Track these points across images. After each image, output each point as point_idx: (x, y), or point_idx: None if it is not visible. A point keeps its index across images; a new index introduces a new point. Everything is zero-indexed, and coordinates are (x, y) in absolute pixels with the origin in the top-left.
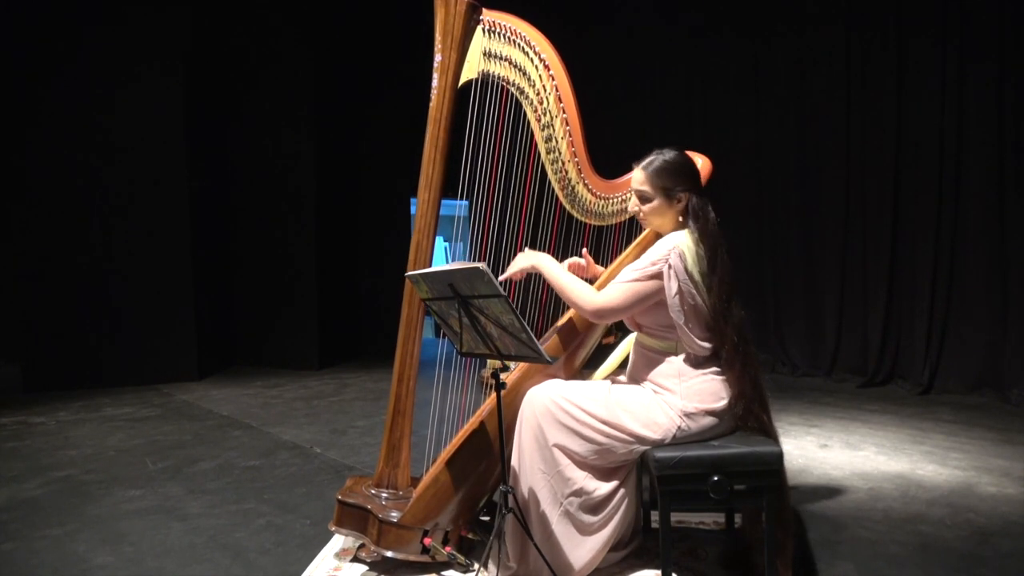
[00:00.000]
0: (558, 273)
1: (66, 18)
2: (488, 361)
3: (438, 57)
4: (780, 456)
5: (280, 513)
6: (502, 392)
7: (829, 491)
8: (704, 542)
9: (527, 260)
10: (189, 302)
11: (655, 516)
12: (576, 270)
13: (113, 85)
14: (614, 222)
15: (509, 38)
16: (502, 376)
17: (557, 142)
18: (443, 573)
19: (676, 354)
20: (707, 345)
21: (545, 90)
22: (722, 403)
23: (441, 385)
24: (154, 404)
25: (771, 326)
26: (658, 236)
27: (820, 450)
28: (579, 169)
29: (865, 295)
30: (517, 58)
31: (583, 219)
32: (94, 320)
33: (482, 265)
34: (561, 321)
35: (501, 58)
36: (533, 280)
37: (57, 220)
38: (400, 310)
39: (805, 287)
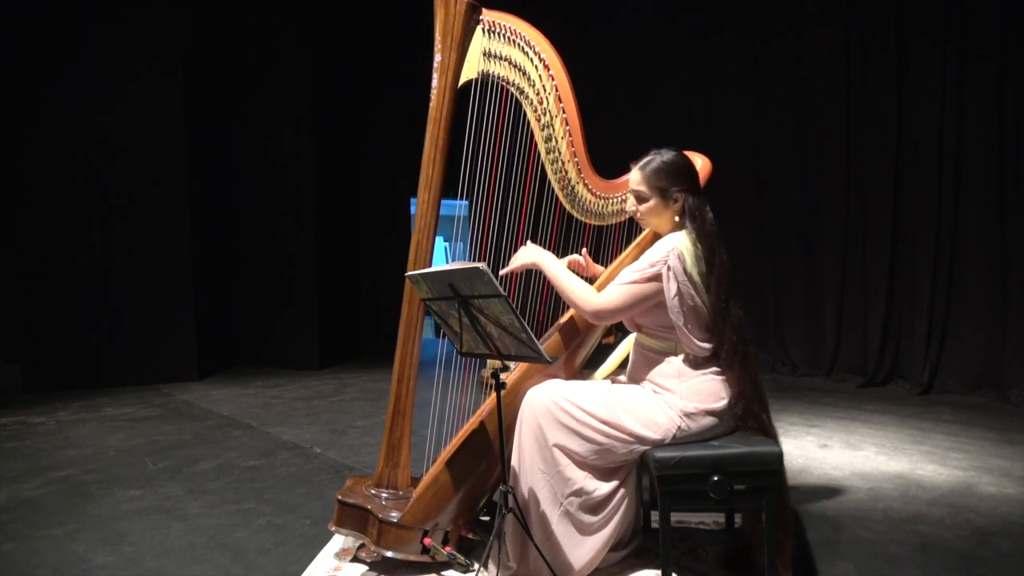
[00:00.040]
0: (559, 272)
1: (66, 18)
2: (488, 361)
3: (438, 57)
4: (780, 456)
5: (280, 513)
6: (502, 392)
7: (829, 491)
8: (704, 542)
9: (528, 256)
10: (189, 302)
11: (655, 516)
12: (575, 268)
13: (113, 85)
14: (614, 222)
15: (509, 38)
16: (502, 376)
17: (557, 142)
18: (443, 573)
19: (676, 354)
20: (707, 346)
21: (545, 90)
22: (722, 403)
23: (441, 385)
24: (154, 404)
25: (771, 326)
26: (657, 236)
27: (820, 450)
28: (579, 169)
29: (865, 295)
30: (517, 58)
31: (583, 219)
32: (94, 320)
33: (482, 265)
34: (561, 321)
35: (501, 58)
36: (534, 277)
37: (57, 220)
38: (400, 310)
39: (805, 287)
